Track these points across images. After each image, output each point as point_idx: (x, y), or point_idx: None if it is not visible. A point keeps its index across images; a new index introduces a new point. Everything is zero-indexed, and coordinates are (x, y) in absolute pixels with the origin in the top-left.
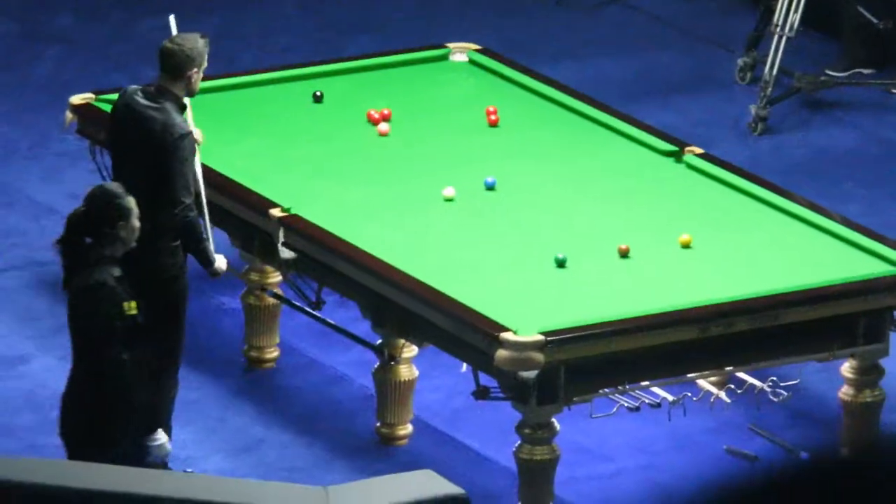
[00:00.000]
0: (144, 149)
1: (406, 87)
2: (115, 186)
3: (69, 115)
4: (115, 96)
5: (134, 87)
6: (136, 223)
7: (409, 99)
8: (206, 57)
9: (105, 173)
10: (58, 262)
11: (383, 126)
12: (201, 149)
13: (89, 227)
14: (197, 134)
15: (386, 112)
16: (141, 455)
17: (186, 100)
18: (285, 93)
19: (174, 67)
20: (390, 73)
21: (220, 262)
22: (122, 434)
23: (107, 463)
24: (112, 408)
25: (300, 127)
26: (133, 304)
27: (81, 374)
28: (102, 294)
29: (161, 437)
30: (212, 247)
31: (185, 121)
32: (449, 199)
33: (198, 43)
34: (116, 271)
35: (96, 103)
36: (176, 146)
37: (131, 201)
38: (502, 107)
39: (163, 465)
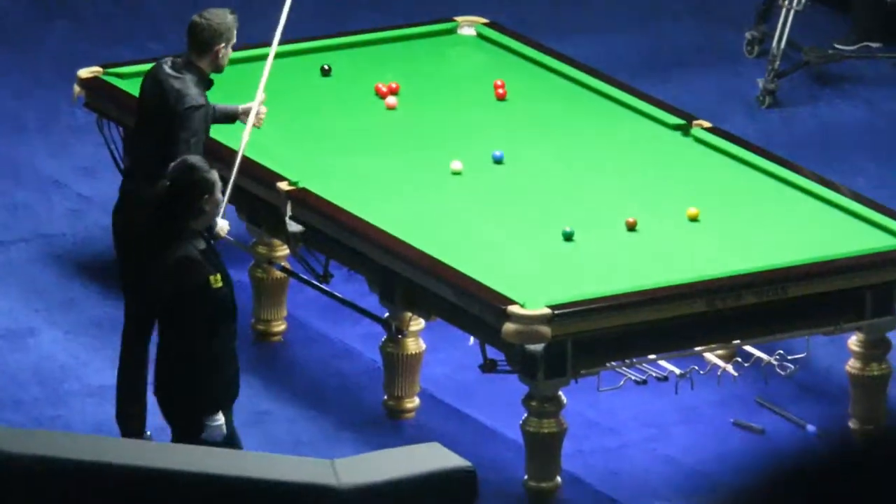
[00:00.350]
0: (158, 116)
1: (414, 61)
2: (199, 160)
3: (77, 88)
4: (122, 69)
5: (167, 57)
6: (220, 196)
7: (417, 73)
8: (234, 33)
9: (113, 146)
10: (65, 235)
11: (391, 100)
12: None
13: (174, 201)
14: (262, 111)
15: (394, 86)
16: (196, 431)
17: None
18: (293, 67)
19: (201, 42)
20: (398, 46)
21: (222, 224)
22: (217, 405)
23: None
24: (204, 381)
25: (308, 101)
26: (218, 276)
27: (172, 349)
28: (190, 268)
29: (220, 417)
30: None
31: (202, 94)
32: (456, 173)
33: (226, 18)
34: (201, 244)
35: (104, 77)
36: (186, 116)
37: (215, 174)
38: (510, 80)
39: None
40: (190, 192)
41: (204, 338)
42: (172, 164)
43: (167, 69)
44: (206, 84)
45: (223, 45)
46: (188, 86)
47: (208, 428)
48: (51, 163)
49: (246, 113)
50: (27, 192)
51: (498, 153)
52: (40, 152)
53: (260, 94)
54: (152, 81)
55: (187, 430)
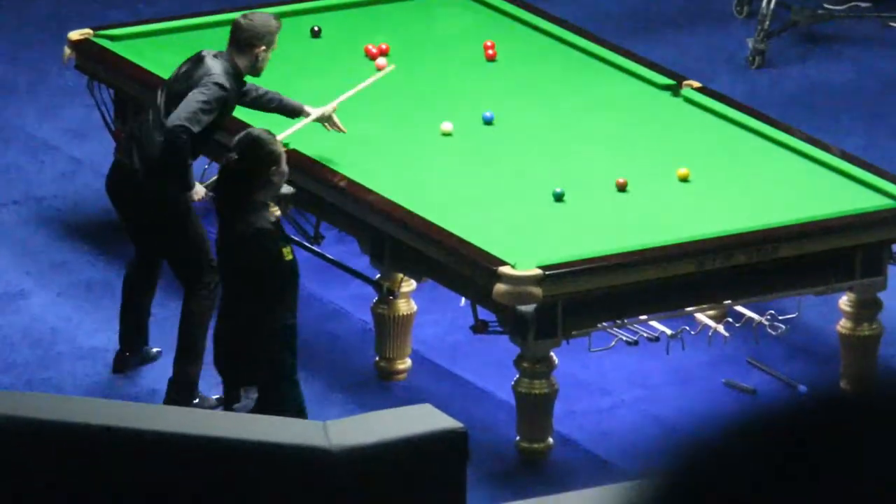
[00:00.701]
0: (183, 84)
1: (404, 22)
2: (264, 132)
3: (67, 50)
4: (113, 31)
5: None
6: (286, 168)
7: (407, 34)
8: (276, 38)
9: (104, 109)
10: (56, 198)
11: (381, 61)
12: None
13: (243, 174)
14: (334, 118)
15: (384, 47)
16: (271, 401)
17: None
18: (283, 28)
19: (240, 41)
20: (388, 8)
21: (199, 190)
22: (284, 373)
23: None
24: (272, 352)
25: (298, 62)
26: (290, 248)
27: (241, 320)
28: (264, 239)
29: (254, 393)
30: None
31: (228, 76)
32: (447, 134)
33: (270, 22)
34: (272, 216)
35: (94, 39)
36: (205, 84)
37: (280, 145)
38: (500, 41)
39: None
40: (259, 165)
41: (275, 309)
42: (237, 137)
43: (207, 55)
44: (239, 82)
45: (263, 48)
46: (220, 69)
47: (245, 399)
48: (41, 125)
49: (310, 113)
50: (17, 155)
51: (488, 114)
52: (30, 115)
53: (335, 103)
54: (188, 63)
55: (258, 398)
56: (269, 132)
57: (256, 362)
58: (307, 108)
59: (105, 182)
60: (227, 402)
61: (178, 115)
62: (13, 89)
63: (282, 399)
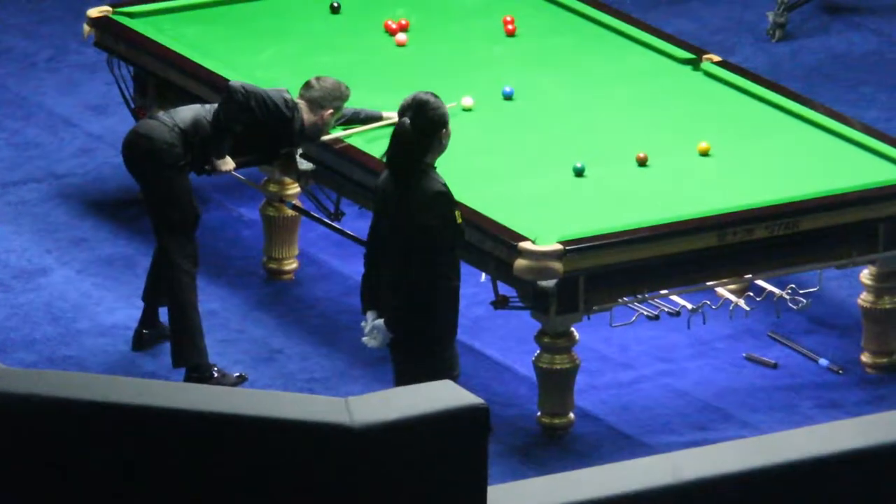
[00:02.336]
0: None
1: None
2: (431, 95)
3: (87, 27)
4: (131, 9)
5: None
6: (450, 129)
7: (427, 9)
8: (343, 104)
9: (123, 85)
10: (76, 175)
11: (401, 36)
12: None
13: (415, 136)
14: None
15: (403, 22)
16: (425, 362)
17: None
18: (303, 3)
19: (310, 99)
20: None
21: (228, 162)
22: (450, 339)
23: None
24: (443, 313)
25: (318, 38)
26: (460, 211)
27: (414, 281)
28: (442, 201)
29: (384, 334)
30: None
31: (294, 110)
32: (467, 109)
33: (339, 88)
34: (442, 178)
35: (113, 16)
36: (277, 94)
37: (446, 107)
38: (519, 16)
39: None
40: (429, 127)
41: (447, 270)
42: (404, 101)
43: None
44: (297, 133)
45: (330, 111)
46: (290, 98)
47: (374, 328)
48: (61, 102)
49: (389, 117)
50: (37, 131)
51: (508, 89)
52: (50, 91)
53: None
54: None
55: (416, 358)
56: (434, 95)
57: (424, 320)
58: (385, 114)
59: (123, 152)
60: (400, 364)
61: (241, 83)
62: (33, 65)
63: (453, 357)
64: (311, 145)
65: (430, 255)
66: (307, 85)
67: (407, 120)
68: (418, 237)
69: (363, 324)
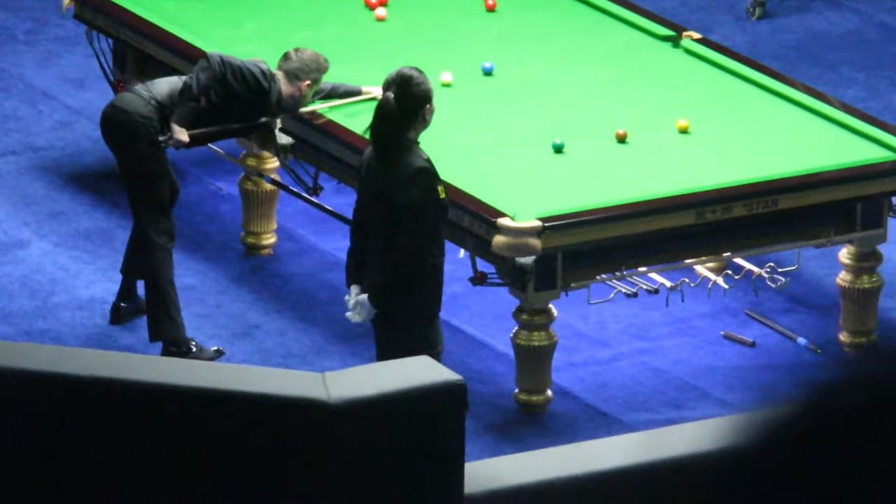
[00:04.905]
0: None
1: None
2: (414, 71)
3: (66, 0)
4: None
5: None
6: (434, 105)
7: None
8: (321, 76)
9: (103, 59)
10: (54, 147)
11: (380, 11)
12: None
13: (399, 112)
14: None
15: None
16: (405, 337)
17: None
18: None
19: (287, 71)
20: None
21: (183, 133)
22: (431, 314)
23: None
24: (425, 288)
25: (298, 12)
26: (443, 186)
27: (398, 254)
28: (424, 177)
29: (369, 309)
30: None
31: (271, 81)
32: (446, 85)
33: (318, 60)
34: (425, 154)
35: None
36: (254, 66)
37: (430, 83)
38: None
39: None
40: (413, 102)
41: (430, 246)
42: (389, 77)
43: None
44: (274, 105)
45: (308, 83)
46: (268, 68)
47: (358, 303)
48: (39, 74)
49: (369, 91)
50: (15, 104)
51: (488, 65)
52: (28, 64)
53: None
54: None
55: (399, 333)
56: (419, 70)
57: (407, 296)
58: (364, 88)
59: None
60: (380, 338)
61: (219, 53)
62: (11, 37)
63: (436, 333)
64: (289, 120)
65: (413, 231)
66: (285, 56)
67: (391, 95)
68: (401, 213)
69: (346, 298)
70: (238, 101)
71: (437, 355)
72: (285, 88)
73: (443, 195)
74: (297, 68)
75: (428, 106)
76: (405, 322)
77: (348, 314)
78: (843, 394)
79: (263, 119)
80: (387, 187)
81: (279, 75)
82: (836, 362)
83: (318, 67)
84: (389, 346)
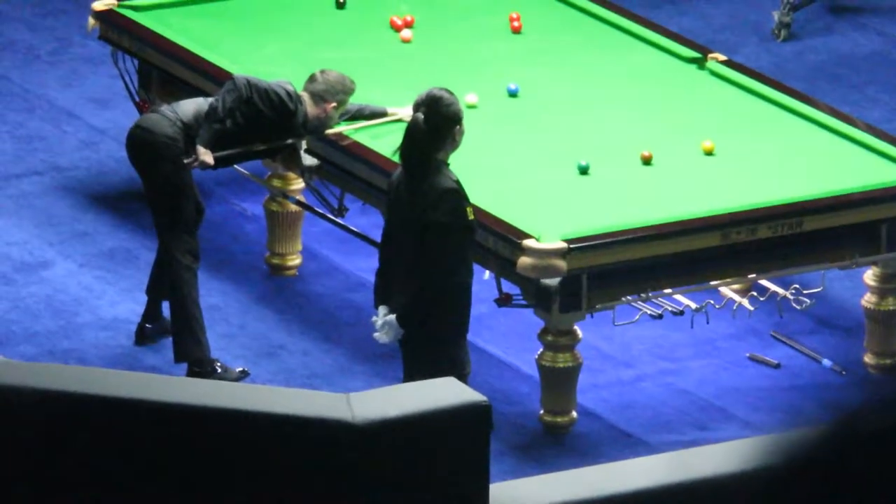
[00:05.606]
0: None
1: None
2: (444, 91)
3: (91, 20)
4: (137, 2)
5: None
6: (464, 126)
7: (432, 5)
8: (348, 98)
9: (128, 79)
10: (79, 168)
11: (406, 32)
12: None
13: (429, 132)
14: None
15: (409, 18)
16: (434, 359)
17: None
18: None
19: (312, 92)
20: None
21: (208, 154)
22: (460, 335)
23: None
24: (454, 310)
25: (323, 33)
26: (471, 208)
27: (426, 275)
28: (453, 198)
29: (397, 329)
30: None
31: (297, 102)
32: (472, 106)
33: (344, 82)
34: (454, 175)
35: (118, 9)
36: (279, 87)
37: (460, 104)
38: (525, 13)
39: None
40: (443, 123)
41: (458, 267)
42: (419, 97)
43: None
44: (300, 126)
45: (334, 104)
46: (293, 89)
47: (385, 324)
48: (64, 94)
49: (394, 113)
50: (40, 124)
51: (513, 86)
52: (53, 84)
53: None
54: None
55: (427, 354)
56: (449, 91)
57: (435, 317)
58: (390, 110)
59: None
60: (408, 361)
61: (246, 75)
62: (36, 57)
63: (463, 354)
64: (315, 141)
65: (441, 252)
66: (311, 78)
67: (421, 115)
68: (430, 234)
69: (374, 318)
70: (264, 123)
71: (464, 377)
72: (311, 110)
73: (471, 216)
74: (324, 90)
75: (458, 127)
76: (433, 343)
77: (376, 334)
78: (870, 417)
79: (289, 140)
80: (415, 208)
81: (305, 97)
82: (863, 385)
83: (343, 89)
84: (417, 367)
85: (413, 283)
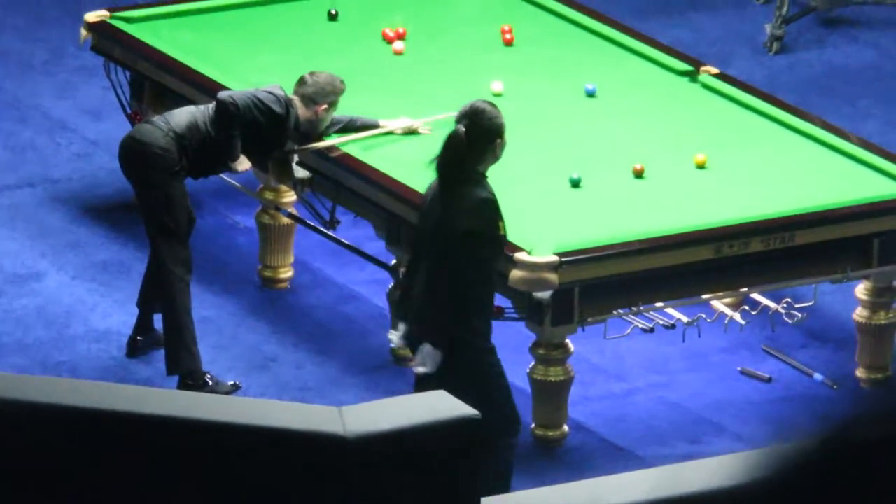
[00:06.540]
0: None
1: (421, 6)
2: (488, 104)
3: (84, 32)
4: (129, 13)
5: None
6: (505, 139)
7: (425, 17)
8: (339, 98)
9: (120, 91)
10: (72, 179)
11: (398, 45)
12: (219, 65)
13: (470, 144)
14: (417, 126)
15: (401, 30)
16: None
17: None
18: (302, 10)
19: (304, 95)
20: None
21: (244, 161)
22: (487, 349)
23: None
24: (478, 322)
25: (315, 45)
26: (504, 222)
27: (448, 289)
28: (489, 209)
29: (437, 356)
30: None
31: (286, 105)
32: (498, 95)
33: (334, 83)
34: (490, 188)
35: (111, 21)
36: (267, 94)
37: (502, 117)
38: (517, 26)
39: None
40: (485, 135)
41: (486, 280)
42: (461, 109)
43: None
44: (292, 128)
45: (325, 106)
46: (283, 94)
47: (425, 354)
48: (57, 105)
49: (385, 125)
50: (33, 135)
51: (591, 86)
52: (47, 95)
53: (419, 123)
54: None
55: (450, 368)
56: (492, 104)
57: (470, 332)
58: (381, 122)
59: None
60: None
61: (229, 93)
62: (29, 68)
63: (497, 362)
64: (307, 153)
65: (468, 262)
66: (301, 81)
67: (462, 127)
68: (459, 241)
69: (391, 334)
70: (257, 132)
71: (506, 386)
72: (303, 113)
73: (503, 231)
74: (314, 92)
75: (499, 140)
76: (466, 357)
77: (417, 368)
78: (860, 428)
79: (287, 147)
80: (447, 217)
81: (296, 100)
82: (853, 397)
83: (334, 90)
84: (463, 387)
85: (435, 294)
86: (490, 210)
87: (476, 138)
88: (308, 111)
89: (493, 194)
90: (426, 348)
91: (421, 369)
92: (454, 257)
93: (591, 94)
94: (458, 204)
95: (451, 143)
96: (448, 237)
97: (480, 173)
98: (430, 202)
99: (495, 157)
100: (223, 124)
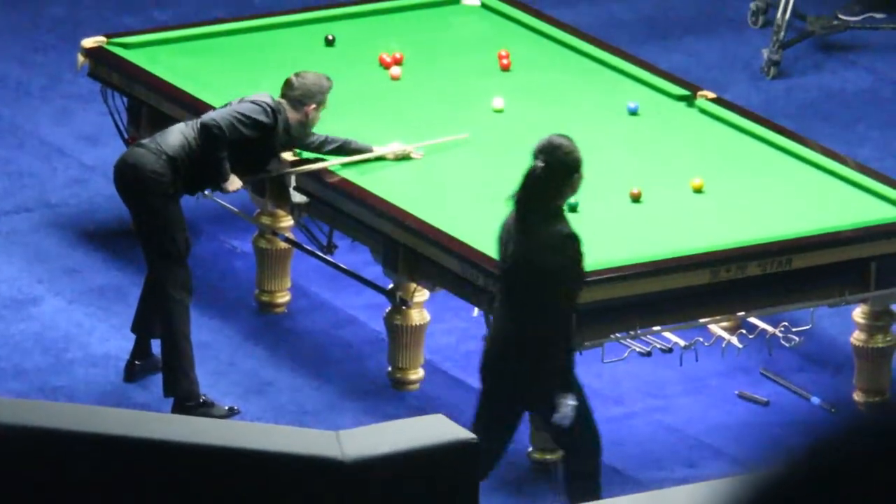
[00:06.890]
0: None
1: (418, 31)
2: (565, 139)
3: (81, 58)
4: (126, 39)
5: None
6: (583, 173)
7: (422, 43)
8: (327, 97)
9: (117, 116)
10: (69, 204)
11: (395, 70)
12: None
13: (549, 179)
14: (409, 151)
15: (398, 56)
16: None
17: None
18: (297, 36)
19: (292, 98)
20: (402, 16)
21: (234, 181)
22: (571, 384)
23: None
24: (565, 359)
25: (313, 70)
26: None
27: (543, 323)
28: (573, 245)
29: (572, 400)
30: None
31: (273, 112)
32: (498, 111)
33: (321, 82)
34: (569, 222)
35: (108, 47)
36: (247, 101)
37: (579, 152)
38: (514, 51)
39: (563, 429)
40: (563, 170)
41: (568, 316)
42: (539, 144)
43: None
44: (286, 135)
45: (314, 106)
46: (270, 100)
47: (563, 406)
48: (54, 131)
49: (378, 150)
50: (30, 160)
51: (633, 105)
52: (43, 120)
53: (411, 148)
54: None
55: (542, 406)
56: (569, 138)
57: (556, 369)
58: (376, 148)
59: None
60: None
61: (211, 115)
62: (26, 93)
63: (558, 408)
64: (304, 177)
65: (553, 300)
66: (287, 83)
67: (540, 163)
68: (540, 279)
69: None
70: (247, 145)
71: (583, 398)
72: (292, 116)
73: (583, 266)
74: (301, 94)
75: (577, 175)
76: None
77: (565, 422)
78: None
79: (283, 153)
80: (527, 253)
81: (284, 104)
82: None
83: (321, 90)
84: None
85: (513, 336)
86: (576, 246)
87: (554, 173)
88: (298, 114)
89: (574, 230)
90: (564, 401)
91: (567, 422)
92: (538, 293)
93: (633, 113)
94: (538, 241)
95: (530, 178)
96: (529, 273)
97: (559, 207)
98: (507, 236)
99: (573, 191)
100: (209, 148)
